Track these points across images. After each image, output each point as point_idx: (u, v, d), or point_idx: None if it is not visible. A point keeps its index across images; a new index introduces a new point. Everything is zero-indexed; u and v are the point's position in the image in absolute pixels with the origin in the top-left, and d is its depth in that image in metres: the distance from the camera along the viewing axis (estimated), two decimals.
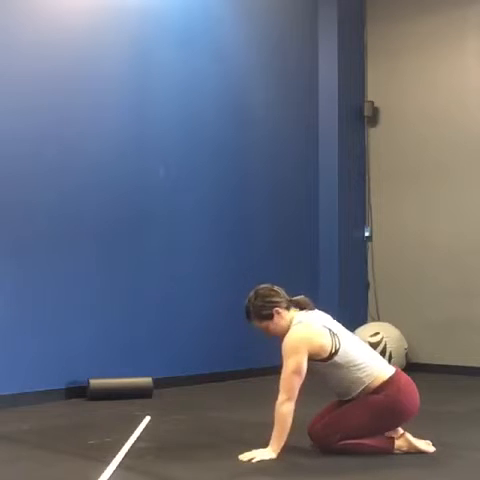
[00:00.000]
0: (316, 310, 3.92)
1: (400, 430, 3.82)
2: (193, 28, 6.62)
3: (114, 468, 3.45)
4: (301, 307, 3.86)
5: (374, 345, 6.97)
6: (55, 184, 5.64)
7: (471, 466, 3.63)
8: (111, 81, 6.03)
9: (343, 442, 3.71)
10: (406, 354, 7.25)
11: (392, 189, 7.81)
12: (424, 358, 7.39)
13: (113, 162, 6.00)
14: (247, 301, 3.85)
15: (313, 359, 3.69)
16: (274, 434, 3.63)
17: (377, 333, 7.15)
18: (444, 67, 7.55)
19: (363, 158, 7.99)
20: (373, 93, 7.99)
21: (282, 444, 3.62)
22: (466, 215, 7.31)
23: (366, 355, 3.83)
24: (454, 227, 7.36)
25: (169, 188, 6.39)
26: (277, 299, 3.81)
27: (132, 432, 4.23)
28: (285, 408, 3.60)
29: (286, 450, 3.64)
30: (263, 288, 3.86)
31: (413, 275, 7.62)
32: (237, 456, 3.62)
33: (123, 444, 3.91)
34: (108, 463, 3.50)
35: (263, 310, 3.79)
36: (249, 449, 3.65)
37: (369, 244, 7.96)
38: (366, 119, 7.96)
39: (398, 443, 3.77)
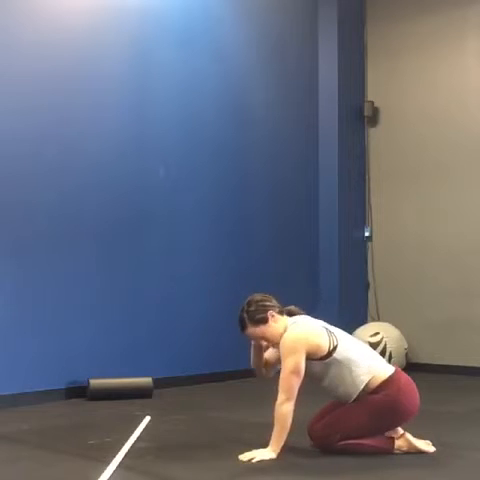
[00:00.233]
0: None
1: (400, 430, 3.82)
2: (193, 28, 6.62)
3: (114, 468, 3.44)
4: (293, 315, 3.88)
5: (374, 345, 6.97)
6: (55, 184, 5.64)
7: (471, 466, 3.63)
8: (111, 81, 6.03)
9: (343, 442, 3.70)
10: (406, 354, 7.25)
11: (392, 189, 7.81)
12: (424, 358, 7.39)
13: (113, 162, 6.00)
14: (240, 310, 3.84)
15: (312, 358, 3.68)
16: (274, 434, 3.63)
17: (377, 333, 7.15)
18: (444, 67, 7.55)
19: (363, 158, 7.99)
20: (373, 93, 7.99)
21: (282, 444, 3.62)
22: (466, 215, 7.31)
23: (365, 354, 3.83)
24: (454, 227, 7.36)
25: (169, 188, 6.39)
26: (270, 303, 3.83)
27: (132, 432, 4.23)
28: (284, 408, 3.60)
29: (286, 450, 3.64)
30: (255, 295, 3.89)
31: (413, 275, 7.62)
32: (237, 456, 3.62)
33: (123, 444, 3.91)
34: (108, 463, 3.50)
35: (257, 314, 3.78)
36: (249, 449, 3.65)
37: (369, 244, 7.96)
38: (366, 119, 7.96)
39: (398, 443, 3.77)
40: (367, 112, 7.92)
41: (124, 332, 5.99)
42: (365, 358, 3.77)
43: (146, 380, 5.69)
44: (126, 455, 3.71)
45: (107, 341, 5.86)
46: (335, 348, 3.70)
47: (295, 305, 3.97)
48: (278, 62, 7.45)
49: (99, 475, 3.30)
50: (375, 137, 7.99)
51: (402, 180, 7.75)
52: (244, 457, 3.60)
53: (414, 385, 3.80)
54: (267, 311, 3.78)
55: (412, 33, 7.76)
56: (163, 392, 5.76)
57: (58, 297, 5.61)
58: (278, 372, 3.75)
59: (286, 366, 3.63)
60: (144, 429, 4.38)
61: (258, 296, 3.87)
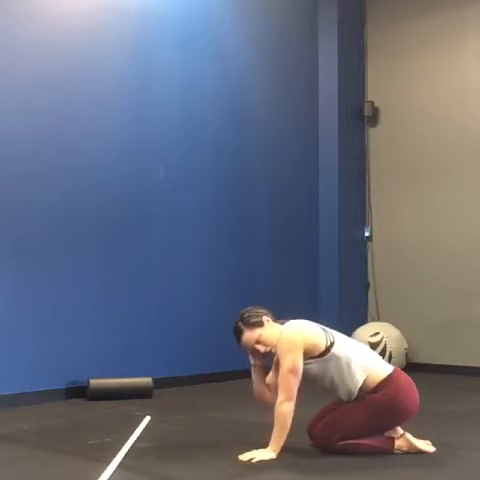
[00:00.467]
0: None
1: (400, 430, 3.82)
2: (193, 28, 6.62)
3: (114, 468, 3.44)
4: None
5: (374, 345, 6.98)
6: (55, 184, 5.63)
7: (471, 466, 3.63)
8: (111, 81, 6.03)
9: (343, 442, 3.71)
10: (406, 354, 7.25)
11: (392, 189, 7.81)
12: (424, 358, 7.39)
13: (113, 162, 6.00)
14: (234, 323, 3.84)
15: (311, 356, 3.69)
16: (274, 434, 3.63)
17: (377, 333, 7.15)
18: (444, 67, 7.55)
19: (363, 158, 7.99)
20: (373, 93, 8.00)
21: (282, 444, 3.62)
22: (466, 215, 7.31)
23: (364, 352, 3.85)
24: (454, 227, 7.36)
25: (169, 188, 6.39)
26: (264, 311, 3.87)
27: (132, 432, 4.23)
28: (284, 408, 3.60)
29: (286, 450, 3.64)
30: (248, 307, 3.90)
31: (413, 275, 7.62)
32: (237, 456, 3.62)
33: (123, 444, 3.91)
34: (108, 463, 3.50)
35: (253, 318, 3.81)
36: (249, 449, 3.65)
37: (369, 244, 7.96)
38: (366, 119, 7.97)
39: (398, 443, 3.77)
40: (367, 112, 7.91)
41: (124, 332, 5.99)
42: (363, 356, 3.79)
43: (146, 380, 5.69)
44: (126, 455, 3.71)
45: (107, 341, 5.86)
46: (332, 344, 3.72)
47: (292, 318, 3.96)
48: (278, 62, 7.45)
49: (99, 475, 3.30)
50: (375, 137, 7.99)
51: (402, 180, 7.75)
52: (244, 457, 3.60)
53: (414, 384, 3.80)
54: (262, 316, 3.82)
55: (412, 33, 7.76)
56: (163, 392, 5.76)
57: (58, 297, 5.61)
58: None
59: (284, 365, 3.64)
60: (144, 429, 4.38)
61: (252, 306, 3.91)
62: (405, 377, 3.81)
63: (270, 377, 3.87)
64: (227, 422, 4.78)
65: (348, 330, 7.25)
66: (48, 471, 3.53)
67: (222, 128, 6.84)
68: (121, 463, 3.55)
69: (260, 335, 3.78)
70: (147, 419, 4.66)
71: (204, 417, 4.96)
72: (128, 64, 6.17)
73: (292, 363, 3.63)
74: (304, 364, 3.67)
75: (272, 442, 3.63)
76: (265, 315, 3.83)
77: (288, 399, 3.60)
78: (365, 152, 8.01)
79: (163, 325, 6.25)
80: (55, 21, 5.71)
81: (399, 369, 3.87)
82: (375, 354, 4.01)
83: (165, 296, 6.31)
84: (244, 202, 7.03)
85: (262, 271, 7.11)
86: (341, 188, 7.71)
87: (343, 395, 3.74)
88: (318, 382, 3.76)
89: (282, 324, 3.83)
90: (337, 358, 3.70)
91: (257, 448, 3.65)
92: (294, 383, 3.62)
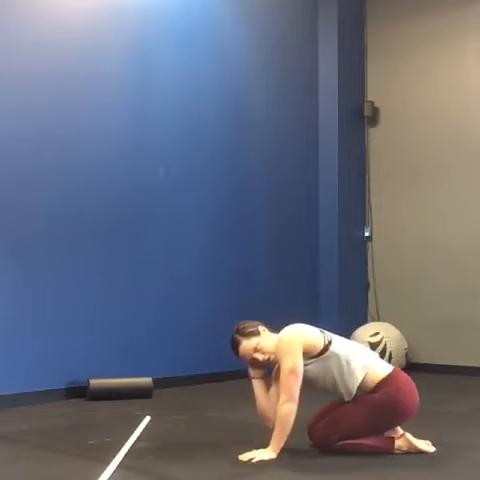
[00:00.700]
0: None
1: (400, 430, 3.82)
2: (193, 28, 6.62)
3: (114, 468, 3.44)
4: None
5: (374, 345, 6.98)
6: (55, 184, 5.63)
7: (471, 466, 3.63)
8: (111, 81, 6.03)
9: (343, 442, 3.71)
10: (406, 354, 7.25)
11: (392, 189, 7.82)
12: (424, 358, 7.39)
13: (113, 162, 6.00)
14: (230, 336, 3.85)
15: (310, 356, 3.69)
16: (274, 434, 3.63)
17: (377, 333, 7.15)
18: (444, 67, 7.55)
19: (363, 158, 8.00)
20: (373, 93, 8.00)
21: (282, 445, 3.62)
22: (466, 215, 7.31)
23: (363, 352, 3.86)
24: (454, 227, 7.36)
25: (169, 188, 6.39)
26: (259, 322, 3.89)
27: (132, 432, 4.23)
28: (285, 408, 3.60)
29: (286, 450, 3.64)
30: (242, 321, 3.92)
31: (413, 275, 7.62)
32: (237, 456, 3.62)
33: (123, 444, 3.91)
34: (108, 463, 3.50)
35: (249, 328, 3.83)
36: (249, 449, 3.65)
37: (369, 244, 7.96)
38: (366, 119, 7.97)
39: (398, 443, 3.77)
40: (367, 112, 7.92)
41: (124, 332, 5.99)
42: (363, 355, 3.80)
43: (146, 380, 5.69)
44: (126, 455, 3.71)
45: (107, 341, 5.86)
46: (330, 343, 3.74)
47: None
48: (278, 62, 7.45)
49: (99, 475, 3.30)
50: (375, 137, 7.99)
51: (402, 180, 7.75)
52: (244, 457, 3.60)
53: (413, 384, 3.80)
54: (257, 326, 3.85)
55: (412, 33, 7.76)
56: (163, 392, 5.76)
57: (58, 297, 5.61)
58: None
59: (284, 366, 3.64)
60: (144, 429, 4.38)
61: (245, 320, 3.92)
62: (405, 377, 3.81)
63: (272, 391, 3.84)
64: (227, 422, 4.78)
65: (348, 330, 7.26)
66: (48, 471, 3.53)
67: (222, 128, 6.84)
68: (121, 463, 3.55)
69: (257, 343, 3.78)
70: (147, 419, 4.66)
71: (204, 417, 4.96)
72: (128, 64, 6.17)
73: (292, 363, 3.63)
74: (304, 365, 3.67)
75: (272, 442, 3.63)
76: (261, 325, 3.86)
77: (289, 400, 3.60)
78: (365, 152, 8.01)
79: (163, 325, 6.26)
80: (55, 21, 5.71)
81: (399, 369, 3.87)
82: (374, 354, 4.01)
83: (165, 296, 6.31)
84: (244, 202, 7.03)
85: (262, 271, 7.11)
86: (341, 188, 7.71)
87: (343, 394, 3.74)
88: (319, 384, 3.75)
89: (277, 333, 3.84)
90: (336, 356, 3.71)
91: (257, 448, 3.65)
92: (295, 383, 3.61)
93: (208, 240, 6.66)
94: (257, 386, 3.86)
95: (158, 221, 6.30)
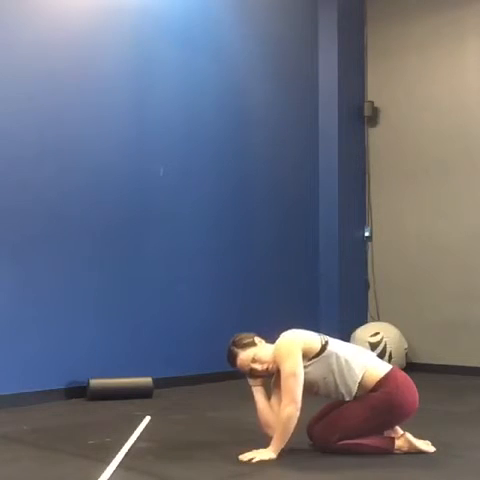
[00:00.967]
0: None
1: (400, 430, 3.82)
2: (193, 28, 6.62)
3: (114, 468, 3.45)
4: None
5: (374, 345, 6.98)
6: (55, 184, 5.63)
7: (471, 466, 3.63)
8: (111, 81, 6.03)
9: (343, 442, 3.70)
10: (406, 354, 7.25)
11: (392, 189, 7.82)
12: (424, 358, 7.40)
13: (113, 162, 6.00)
14: (227, 349, 3.84)
15: (309, 358, 3.69)
16: (275, 435, 3.63)
17: (377, 333, 7.14)
18: (444, 67, 7.56)
19: (363, 158, 8.00)
20: (373, 93, 8.00)
21: (282, 446, 3.61)
22: (466, 215, 7.31)
23: (361, 352, 3.88)
24: (454, 227, 7.36)
25: (169, 188, 6.39)
26: (254, 334, 3.88)
27: (132, 432, 4.23)
28: (287, 410, 3.59)
29: (286, 450, 3.64)
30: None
31: (413, 275, 7.62)
32: (237, 456, 3.62)
33: (123, 444, 3.91)
34: (108, 463, 3.50)
35: (245, 340, 3.82)
36: (249, 449, 3.65)
37: (369, 244, 7.96)
38: (366, 119, 7.97)
39: (398, 443, 3.77)
40: (367, 112, 7.92)
41: (124, 332, 5.99)
42: (361, 355, 3.82)
43: (146, 380, 5.69)
44: (126, 455, 3.71)
45: (107, 341, 5.86)
46: (327, 342, 3.76)
47: None
48: (278, 62, 7.45)
49: (99, 475, 3.30)
50: (375, 137, 7.99)
51: (402, 180, 7.75)
52: (244, 457, 3.60)
53: (412, 382, 3.81)
54: (253, 337, 3.85)
55: (412, 33, 7.76)
56: (163, 392, 5.76)
57: (58, 297, 5.61)
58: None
59: (285, 370, 3.64)
60: (144, 429, 4.38)
61: (240, 333, 3.91)
62: (403, 375, 3.81)
63: (273, 401, 3.81)
64: (227, 422, 4.78)
65: (348, 330, 7.27)
66: (48, 471, 3.53)
67: (222, 128, 6.84)
68: (121, 463, 3.55)
69: (255, 354, 3.78)
70: (147, 419, 4.66)
71: (204, 417, 4.96)
72: (128, 64, 6.17)
73: (292, 365, 3.63)
74: (304, 367, 3.67)
75: (273, 443, 3.63)
76: (256, 336, 3.86)
77: (291, 402, 3.59)
78: (365, 152, 8.01)
79: (163, 325, 6.25)
80: (55, 21, 5.71)
81: (397, 367, 3.88)
82: (372, 354, 4.02)
83: (165, 296, 6.31)
84: (244, 202, 7.03)
85: (262, 271, 7.11)
86: (341, 188, 7.71)
87: (344, 394, 3.74)
88: (319, 387, 3.74)
89: (272, 344, 3.84)
90: (335, 354, 3.72)
91: (257, 448, 3.65)
92: (296, 385, 3.61)
93: (208, 240, 6.65)
94: (257, 393, 3.84)
95: (158, 221, 6.30)
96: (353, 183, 7.88)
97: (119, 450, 3.77)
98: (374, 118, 7.97)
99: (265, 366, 3.76)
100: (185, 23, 6.57)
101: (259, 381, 3.84)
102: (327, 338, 3.80)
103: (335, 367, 3.71)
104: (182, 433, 4.41)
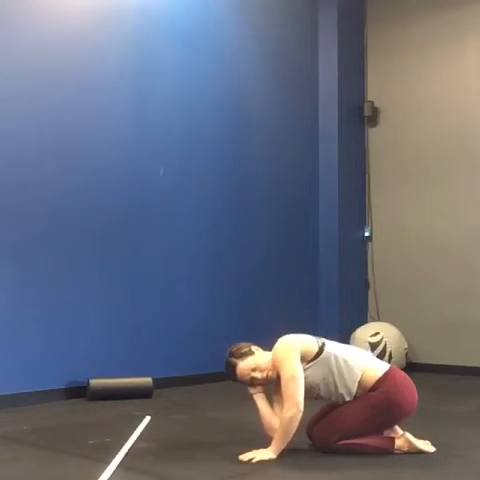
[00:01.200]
0: None
1: (400, 430, 3.82)
2: (193, 28, 6.62)
3: (114, 468, 3.45)
4: None
5: (374, 345, 6.98)
6: (55, 184, 5.63)
7: (471, 466, 3.63)
8: (111, 81, 6.03)
9: (342, 442, 3.71)
10: (406, 354, 7.25)
11: (392, 189, 7.82)
12: (424, 358, 7.40)
13: (113, 162, 6.00)
14: (225, 360, 3.84)
15: (308, 360, 3.70)
16: (276, 436, 3.63)
17: (377, 333, 7.15)
18: (444, 67, 7.56)
19: (363, 158, 8.00)
20: (373, 93, 8.00)
21: (283, 447, 3.61)
22: (466, 215, 7.31)
23: (359, 352, 3.89)
24: (454, 227, 7.37)
25: (169, 188, 6.39)
26: (250, 343, 3.88)
27: (132, 432, 4.23)
28: (289, 413, 3.58)
29: (286, 450, 3.63)
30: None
31: (413, 275, 7.62)
32: (237, 456, 3.62)
33: (123, 444, 3.91)
34: (108, 463, 3.50)
35: (242, 349, 3.82)
36: (249, 449, 3.65)
37: (369, 244, 7.96)
38: (366, 119, 7.97)
39: (398, 443, 3.77)
40: (367, 112, 7.92)
41: (124, 332, 5.99)
42: (359, 356, 3.83)
43: (146, 380, 5.69)
44: (126, 455, 3.71)
45: (107, 341, 5.86)
46: (324, 344, 3.76)
47: None
48: (278, 62, 7.45)
49: (99, 475, 3.31)
50: (375, 137, 7.99)
51: (402, 180, 7.76)
52: (244, 457, 3.60)
53: (411, 381, 3.81)
54: (250, 346, 3.85)
55: (412, 33, 7.76)
56: (163, 392, 5.76)
57: (58, 297, 5.61)
58: None
59: (284, 375, 3.64)
60: (144, 429, 4.38)
61: (236, 343, 3.91)
62: (402, 375, 3.81)
63: (275, 407, 3.80)
64: (227, 422, 4.78)
65: (348, 330, 7.27)
66: (48, 471, 3.53)
67: (222, 128, 6.84)
68: (121, 463, 3.55)
69: (254, 362, 3.77)
70: (147, 419, 4.66)
71: (204, 417, 4.96)
72: (128, 64, 6.17)
73: (292, 369, 3.63)
74: (303, 370, 3.66)
75: (273, 443, 3.63)
76: (252, 345, 3.85)
77: (293, 405, 3.58)
78: (365, 152, 8.01)
79: (163, 325, 6.25)
80: (55, 21, 5.71)
81: (396, 367, 3.88)
82: (370, 354, 4.03)
83: (165, 296, 6.31)
84: (244, 202, 7.03)
85: (262, 271, 7.11)
86: (341, 188, 7.71)
87: (344, 394, 3.74)
88: (320, 389, 3.74)
89: (269, 352, 3.83)
90: (333, 355, 3.72)
91: (257, 448, 3.65)
92: (297, 389, 3.60)
93: (208, 240, 6.65)
94: (259, 399, 3.82)
95: (158, 221, 6.30)
96: (353, 183, 7.88)
97: (119, 450, 3.77)
98: (374, 118, 7.97)
99: (265, 373, 3.75)
100: (185, 23, 6.57)
101: (260, 388, 3.83)
102: (323, 340, 3.81)
103: (334, 368, 3.71)
104: (182, 433, 4.41)
